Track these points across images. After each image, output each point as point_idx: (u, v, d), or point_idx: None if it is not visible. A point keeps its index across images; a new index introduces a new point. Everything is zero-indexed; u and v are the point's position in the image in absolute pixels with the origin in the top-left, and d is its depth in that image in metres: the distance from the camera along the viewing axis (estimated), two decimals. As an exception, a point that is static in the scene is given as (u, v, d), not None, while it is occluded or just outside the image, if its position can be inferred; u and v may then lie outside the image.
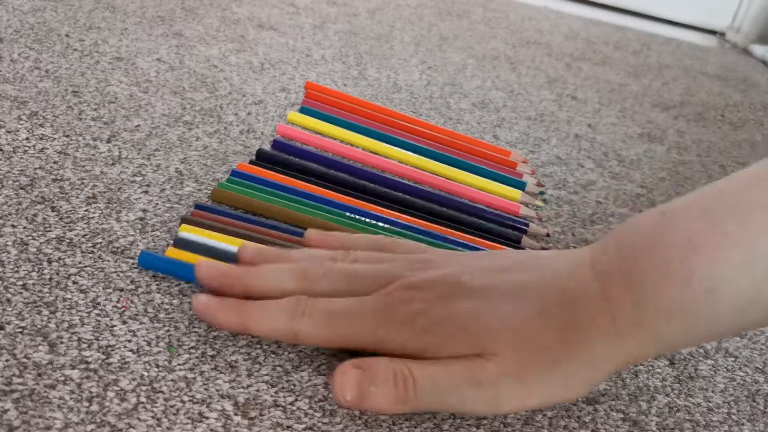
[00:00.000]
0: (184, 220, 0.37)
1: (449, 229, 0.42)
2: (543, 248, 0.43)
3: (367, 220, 0.40)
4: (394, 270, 0.31)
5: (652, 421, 0.32)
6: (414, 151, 0.50)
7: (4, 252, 0.34)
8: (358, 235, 0.36)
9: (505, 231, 0.43)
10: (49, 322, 0.30)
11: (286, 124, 0.52)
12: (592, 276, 0.29)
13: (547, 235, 0.45)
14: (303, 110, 0.53)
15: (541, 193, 0.51)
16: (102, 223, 0.37)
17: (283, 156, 0.46)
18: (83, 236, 0.36)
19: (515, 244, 0.43)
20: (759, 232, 0.26)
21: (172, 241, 0.36)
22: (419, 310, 0.29)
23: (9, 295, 0.31)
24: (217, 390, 0.29)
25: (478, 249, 0.40)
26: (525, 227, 0.44)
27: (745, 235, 0.27)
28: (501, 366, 0.28)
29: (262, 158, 0.46)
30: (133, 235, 0.37)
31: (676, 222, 0.28)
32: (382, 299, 0.30)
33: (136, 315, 0.32)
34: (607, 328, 0.28)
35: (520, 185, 0.50)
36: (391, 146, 0.50)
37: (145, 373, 0.29)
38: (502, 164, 0.52)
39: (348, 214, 0.41)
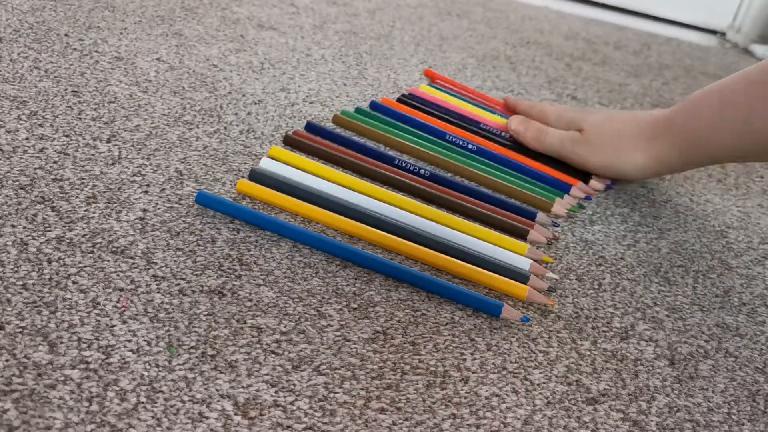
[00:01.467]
0: (285, 139, 0.47)
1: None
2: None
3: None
4: (573, 109, 0.57)
5: (652, 421, 0.32)
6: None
7: (4, 252, 0.34)
8: (542, 103, 0.62)
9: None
10: (49, 322, 0.30)
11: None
12: (659, 111, 0.52)
13: (610, 186, 0.55)
14: (372, 106, 0.60)
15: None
16: (102, 223, 0.37)
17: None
18: (83, 236, 0.36)
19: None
20: (743, 104, 0.46)
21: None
22: (568, 113, 0.56)
23: (9, 295, 0.31)
24: (217, 390, 0.29)
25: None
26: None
27: (729, 105, 0.47)
28: (585, 137, 0.53)
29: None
30: (133, 235, 0.37)
31: (699, 97, 0.49)
32: (560, 111, 0.57)
33: (136, 315, 0.32)
34: (648, 131, 0.50)
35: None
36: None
37: (145, 373, 0.29)
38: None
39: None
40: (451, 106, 0.62)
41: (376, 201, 0.43)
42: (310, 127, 0.52)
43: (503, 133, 0.58)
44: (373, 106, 0.59)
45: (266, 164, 0.45)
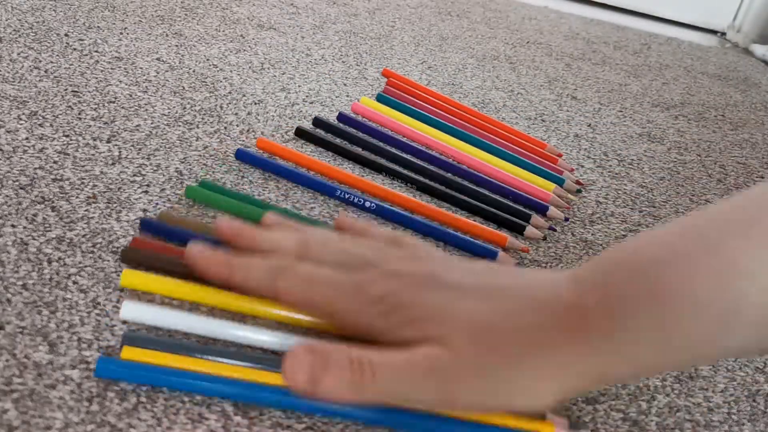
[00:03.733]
0: (124, 258, 0.34)
1: (450, 212, 0.45)
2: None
3: (355, 200, 0.44)
4: (383, 257, 0.32)
5: (652, 421, 0.32)
6: (468, 142, 0.55)
7: (4, 252, 0.34)
8: (379, 228, 0.37)
9: (517, 210, 0.47)
10: (49, 322, 0.30)
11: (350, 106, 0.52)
12: (569, 286, 0.29)
13: (566, 219, 0.48)
14: (380, 98, 0.59)
15: (578, 191, 0.53)
16: (102, 223, 0.37)
17: (337, 126, 0.53)
18: (83, 236, 0.36)
19: (521, 221, 0.46)
20: (738, 249, 0.26)
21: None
22: (389, 292, 0.29)
23: (9, 295, 0.31)
24: (217, 390, 0.29)
25: (468, 240, 0.42)
26: (544, 212, 0.49)
27: (722, 252, 0.26)
28: (460, 358, 0.27)
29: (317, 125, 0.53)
30: (133, 235, 0.37)
31: (655, 240, 0.28)
32: (359, 277, 0.30)
33: (136, 315, 0.32)
34: (577, 337, 0.27)
35: (559, 181, 0.53)
36: (446, 134, 0.56)
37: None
38: (543, 157, 0.57)
39: (338, 193, 0.44)
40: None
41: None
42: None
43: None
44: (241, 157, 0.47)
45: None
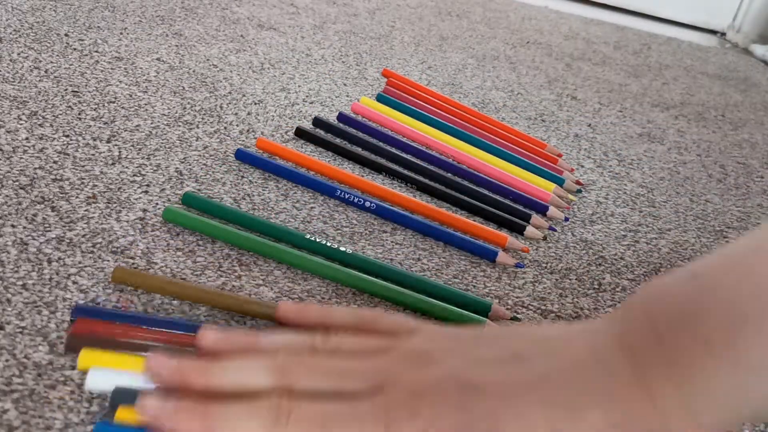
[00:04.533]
0: (73, 341, 0.29)
1: (451, 212, 0.44)
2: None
3: (355, 200, 0.44)
4: (387, 367, 0.26)
5: (652, 421, 0.32)
6: (468, 142, 0.56)
7: (4, 252, 0.34)
8: (337, 309, 0.31)
9: (517, 210, 0.47)
10: (49, 322, 0.30)
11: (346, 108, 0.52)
12: (621, 358, 0.25)
13: (566, 219, 0.48)
14: (380, 98, 0.59)
15: (578, 191, 0.53)
16: (102, 223, 0.37)
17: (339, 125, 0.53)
18: (83, 236, 0.36)
19: (521, 221, 0.46)
20: None
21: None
22: (429, 422, 0.24)
23: (9, 295, 0.31)
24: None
25: (468, 240, 0.42)
26: (543, 212, 0.49)
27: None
28: None
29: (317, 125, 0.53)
30: (133, 235, 0.37)
31: (712, 290, 0.24)
32: (382, 408, 0.24)
33: (136, 315, 0.32)
34: (646, 417, 0.24)
35: (558, 181, 0.53)
36: (447, 134, 0.56)
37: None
38: (543, 157, 0.57)
39: (338, 193, 0.44)
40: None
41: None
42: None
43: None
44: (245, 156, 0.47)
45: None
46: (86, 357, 0.28)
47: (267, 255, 0.37)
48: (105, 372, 0.27)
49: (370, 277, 0.36)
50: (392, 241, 0.42)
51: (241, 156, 0.46)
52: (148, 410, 0.25)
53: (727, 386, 0.23)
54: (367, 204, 0.44)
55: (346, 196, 0.44)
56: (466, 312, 0.35)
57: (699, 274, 0.25)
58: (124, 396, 0.26)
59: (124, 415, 0.26)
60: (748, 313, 0.23)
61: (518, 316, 0.37)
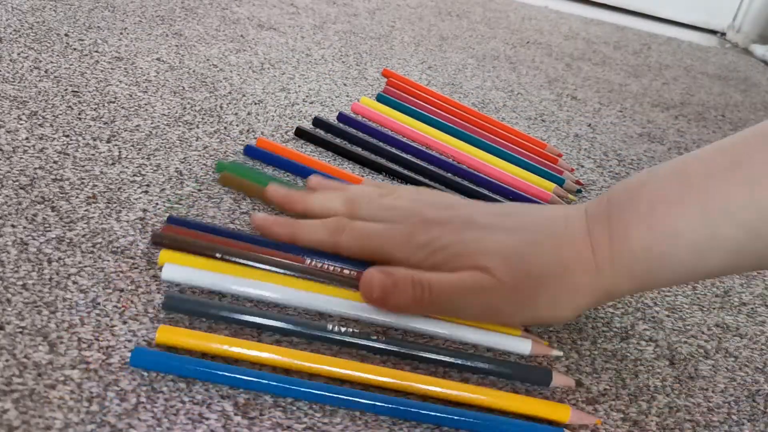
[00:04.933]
0: (156, 241, 0.35)
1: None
2: None
3: None
4: (422, 208, 0.37)
5: (652, 421, 0.32)
6: (468, 142, 0.56)
7: (4, 252, 0.34)
8: (405, 186, 0.43)
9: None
10: (49, 322, 0.30)
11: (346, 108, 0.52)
12: (582, 220, 0.34)
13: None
14: (380, 98, 0.59)
15: (578, 191, 0.54)
16: (102, 223, 0.37)
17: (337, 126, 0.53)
18: (83, 236, 0.36)
19: None
20: (717, 189, 0.31)
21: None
22: (433, 237, 0.34)
23: (9, 295, 0.31)
24: (217, 390, 0.29)
25: None
26: None
27: (704, 191, 0.31)
28: (499, 280, 0.33)
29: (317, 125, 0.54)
30: (133, 235, 0.37)
31: (654, 179, 0.33)
32: (407, 228, 0.35)
33: (136, 315, 0.32)
34: (587, 262, 0.33)
35: (558, 181, 0.53)
36: (448, 134, 0.57)
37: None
38: (543, 157, 0.57)
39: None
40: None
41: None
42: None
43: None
44: (249, 150, 0.47)
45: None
46: (166, 255, 0.34)
47: None
48: (179, 267, 0.33)
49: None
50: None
51: (250, 152, 0.47)
52: (256, 218, 0.37)
53: (643, 244, 0.32)
54: None
55: None
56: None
57: (651, 170, 0.34)
58: (175, 302, 0.32)
59: (164, 335, 0.30)
60: (668, 194, 0.32)
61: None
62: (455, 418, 0.29)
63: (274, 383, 0.29)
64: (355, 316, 0.34)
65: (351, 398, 0.29)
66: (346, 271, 0.36)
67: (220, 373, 0.29)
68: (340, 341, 0.32)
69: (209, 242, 0.35)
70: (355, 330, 0.32)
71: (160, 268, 0.34)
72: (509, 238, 0.34)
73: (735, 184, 0.30)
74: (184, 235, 0.36)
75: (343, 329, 0.32)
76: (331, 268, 0.36)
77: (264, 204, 0.42)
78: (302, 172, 0.46)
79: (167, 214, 0.38)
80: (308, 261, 0.36)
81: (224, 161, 0.44)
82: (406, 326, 0.34)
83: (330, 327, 0.32)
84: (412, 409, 0.29)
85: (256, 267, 0.35)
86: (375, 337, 0.32)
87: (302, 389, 0.29)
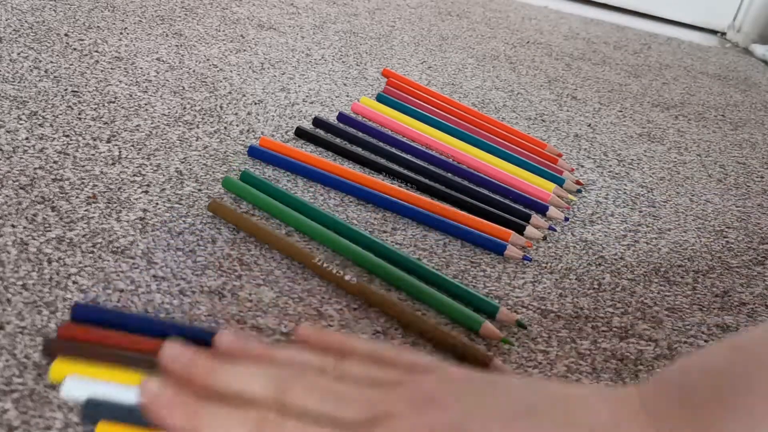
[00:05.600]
0: (48, 350, 0.29)
1: (455, 208, 0.46)
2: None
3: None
4: (389, 403, 0.25)
5: (652, 421, 0.32)
6: (468, 143, 0.56)
7: (4, 252, 0.34)
8: (358, 341, 0.29)
9: (517, 210, 0.48)
10: (49, 322, 0.30)
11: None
12: (645, 425, 0.24)
13: (566, 219, 0.48)
14: (380, 98, 0.59)
15: (578, 191, 0.53)
16: (102, 223, 0.37)
17: (337, 126, 0.53)
18: (83, 236, 0.36)
19: (521, 221, 0.46)
20: None
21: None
22: None
23: (9, 295, 0.31)
24: (217, 390, 0.29)
25: (474, 233, 0.43)
26: (543, 212, 0.49)
27: None
28: None
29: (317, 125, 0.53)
30: (133, 234, 0.37)
31: (754, 361, 0.23)
32: None
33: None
34: None
35: (559, 181, 0.53)
36: (448, 134, 0.56)
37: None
38: (543, 157, 0.57)
39: (357, 192, 0.45)
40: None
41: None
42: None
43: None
44: (251, 151, 0.47)
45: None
46: (60, 366, 0.27)
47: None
48: (82, 381, 0.27)
49: (382, 262, 0.38)
50: (392, 241, 0.42)
51: (254, 153, 0.47)
52: (146, 393, 0.25)
53: None
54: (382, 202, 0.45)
55: (365, 195, 0.45)
56: (467, 309, 0.36)
57: (738, 346, 0.24)
58: (97, 408, 0.26)
59: (104, 429, 0.25)
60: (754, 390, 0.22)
61: (524, 323, 0.37)
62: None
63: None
64: None
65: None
66: (347, 277, 0.36)
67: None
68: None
69: (108, 345, 0.29)
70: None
71: (54, 386, 0.27)
72: None
73: None
74: (83, 338, 0.29)
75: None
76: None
77: (257, 239, 0.38)
78: (305, 172, 0.46)
79: (73, 305, 0.31)
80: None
81: (232, 178, 0.42)
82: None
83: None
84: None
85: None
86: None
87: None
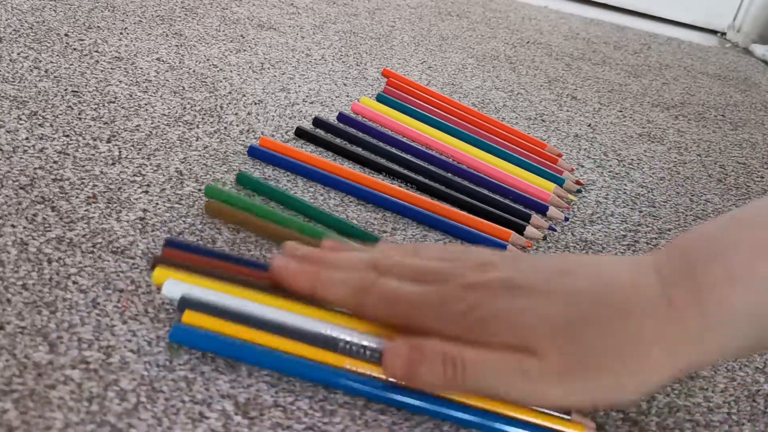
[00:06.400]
0: (158, 261, 0.33)
1: (454, 208, 0.46)
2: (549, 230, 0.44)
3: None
4: (456, 269, 0.31)
5: (652, 421, 0.32)
6: (468, 143, 0.56)
7: (4, 252, 0.34)
8: (429, 243, 0.38)
9: (517, 210, 0.48)
10: (49, 322, 0.30)
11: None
12: (655, 282, 0.29)
13: (566, 219, 0.48)
14: (380, 98, 0.59)
15: (578, 191, 0.53)
16: (102, 223, 0.37)
17: (336, 125, 0.53)
18: (83, 236, 0.36)
19: (521, 221, 0.46)
20: None
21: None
22: (470, 306, 0.29)
23: (9, 295, 0.31)
24: (217, 390, 0.29)
25: (474, 233, 0.44)
26: (543, 212, 0.49)
27: None
28: (545, 364, 0.28)
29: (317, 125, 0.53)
30: (133, 235, 0.37)
31: (744, 228, 0.28)
32: (440, 294, 0.30)
33: (137, 315, 0.32)
34: (671, 336, 0.28)
35: (558, 181, 0.53)
36: (448, 134, 0.56)
37: (146, 373, 0.29)
38: (543, 157, 0.57)
39: (361, 193, 0.45)
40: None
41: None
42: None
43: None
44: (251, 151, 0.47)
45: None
46: (161, 272, 0.32)
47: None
48: (180, 284, 0.32)
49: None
50: (392, 242, 0.42)
51: (254, 153, 0.47)
52: (275, 265, 0.32)
53: (743, 308, 0.27)
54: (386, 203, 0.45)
55: (368, 196, 0.45)
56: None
57: (737, 217, 0.29)
58: (190, 304, 0.31)
59: (190, 318, 0.31)
60: (765, 248, 0.27)
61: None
62: (468, 418, 0.30)
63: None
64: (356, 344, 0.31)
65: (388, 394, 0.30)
66: None
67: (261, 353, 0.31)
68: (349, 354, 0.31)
69: (209, 266, 0.34)
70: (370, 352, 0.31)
71: (158, 288, 0.33)
72: (560, 310, 0.29)
73: None
74: (182, 258, 0.34)
75: (354, 347, 0.31)
76: None
77: (257, 235, 0.39)
78: (305, 172, 0.46)
79: (166, 237, 0.36)
80: None
81: (214, 185, 0.41)
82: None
83: (342, 345, 0.31)
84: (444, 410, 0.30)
85: (257, 291, 0.32)
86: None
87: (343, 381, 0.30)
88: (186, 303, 0.31)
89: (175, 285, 0.32)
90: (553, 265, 0.31)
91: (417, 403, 0.30)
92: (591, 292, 0.29)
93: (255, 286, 0.33)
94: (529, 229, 0.45)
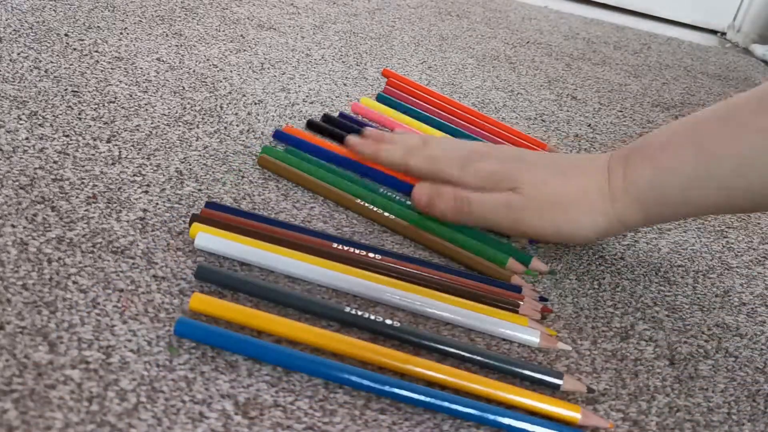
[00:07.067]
0: (195, 218, 0.38)
1: None
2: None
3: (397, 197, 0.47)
4: (480, 147, 0.44)
5: (652, 421, 0.32)
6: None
7: (4, 252, 0.34)
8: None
9: None
10: (49, 322, 0.30)
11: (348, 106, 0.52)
12: (606, 160, 0.41)
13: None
14: (380, 98, 0.60)
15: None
16: (102, 223, 0.37)
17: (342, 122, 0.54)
18: (83, 236, 0.36)
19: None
20: (711, 135, 0.38)
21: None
22: (485, 165, 0.42)
23: (9, 295, 0.31)
24: (217, 390, 0.29)
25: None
26: None
27: (700, 137, 0.38)
28: (525, 199, 0.40)
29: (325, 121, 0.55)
30: (133, 235, 0.37)
31: (667, 129, 0.40)
32: (466, 154, 0.43)
33: (137, 315, 0.32)
34: (603, 189, 0.40)
35: None
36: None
37: (146, 373, 0.29)
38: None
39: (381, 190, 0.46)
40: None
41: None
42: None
43: None
44: (277, 135, 0.50)
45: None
46: (197, 227, 0.37)
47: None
48: (212, 237, 0.36)
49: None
50: (392, 241, 0.42)
51: (280, 137, 0.49)
52: (348, 141, 0.46)
53: (649, 179, 0.39)
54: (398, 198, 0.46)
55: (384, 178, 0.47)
56: (497, 251, 0.42)
57: (686, 118, 0.40)
58: (206, 272, 0.34)
59: (198, 303, 0.32)
60: (673, 139, 0.39)
61: (554, 270, 0.37)
62: (468, 410, 0.30)
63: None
64: (373, 298, 0.36)
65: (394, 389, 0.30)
66: (371, 255, 0.38)
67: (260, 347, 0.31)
68: (353, 323, 0.34)
69: (243, 225, 0.38)
70: (372, 317, 0.34)
71: (192, 240, 0.37)
72: (543, 171, 0.41)
73: (725, 133, 0.37)
74: (220, 218, 0.38)
75: (359, 312, 0.34)
76: (357, 252, 0.38)
77: (304, 188, 0.45)
78: (328, 157, 0.48)
79: (206, 200, 0.41)
80: (335, 245, 0.38)
81: (270, 146, 0.48)
82: (420, 310, 0.36)
83: (348, 309, 0.34)
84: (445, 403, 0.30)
85: (285, 247, 0.37)
86: (390, 322, 0.33)
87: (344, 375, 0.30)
88: (203, 272, 0.34)
89: (206, 238, 0.36)
90: (552, 155, 0.44)
91: (416, 396, 0.30)
92: (567, 162, 0.43)
93: (285, 243, 0.37)
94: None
